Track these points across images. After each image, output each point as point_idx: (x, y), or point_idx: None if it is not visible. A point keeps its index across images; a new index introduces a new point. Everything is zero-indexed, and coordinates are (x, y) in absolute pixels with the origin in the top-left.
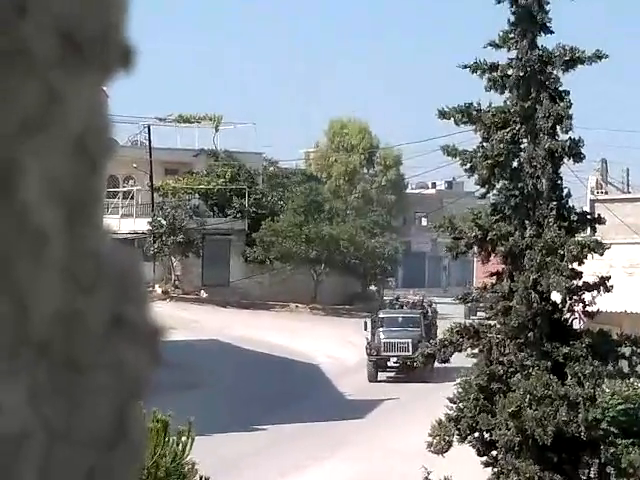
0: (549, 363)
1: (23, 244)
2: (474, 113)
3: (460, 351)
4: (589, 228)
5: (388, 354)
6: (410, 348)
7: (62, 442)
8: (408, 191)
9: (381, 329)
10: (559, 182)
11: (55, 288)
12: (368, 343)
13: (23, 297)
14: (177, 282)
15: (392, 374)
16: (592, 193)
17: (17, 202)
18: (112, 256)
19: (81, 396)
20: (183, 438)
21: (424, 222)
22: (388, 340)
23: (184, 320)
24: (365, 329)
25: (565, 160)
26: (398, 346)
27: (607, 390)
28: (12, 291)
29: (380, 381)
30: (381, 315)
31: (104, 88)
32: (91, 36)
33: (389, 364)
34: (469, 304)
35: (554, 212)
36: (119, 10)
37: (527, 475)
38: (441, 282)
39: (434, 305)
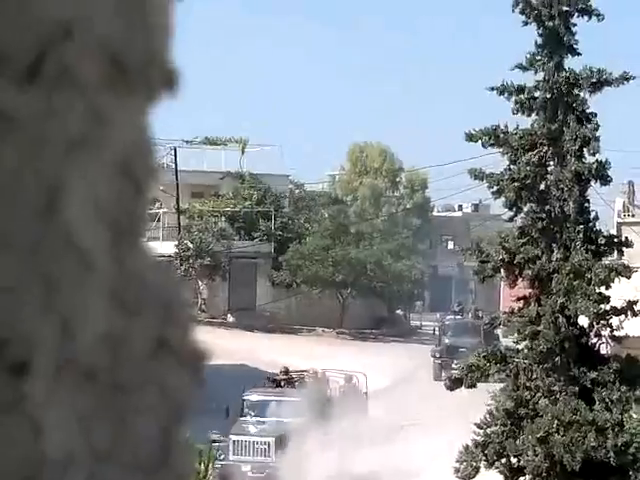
0: (577, 388)
1: (68, 265)
2: (501, 135)
3: (488, 376)
4: (616, 251)
5: (237, 459)
6: (270, 451)
7: (106, 465)
8: (434, 214)
9: (240, 420)
10: (586, 205)
11: (101, 310)
12: (215, 441)
13: (69, 319)
14: (203, 306)
15: None
16: (619, 216)
17: (62, 222)
18: (157, 279)
19: (126, 419)
20: (204, 459)
21: (450, 245)
22: (240, 438)
23: (211, 345)
24: (227, 415)
25: (592, 183)
26: (254, 448)
27: (634, 416)
28: (58, 312)
29: None
30: (248, 397)
31: (149, 110)
32: (136, 59)
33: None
34: (439, 360)
35: (581, 235)
36: (164, 33)
37: None
38: (468, 306)
39: (356, 380)
